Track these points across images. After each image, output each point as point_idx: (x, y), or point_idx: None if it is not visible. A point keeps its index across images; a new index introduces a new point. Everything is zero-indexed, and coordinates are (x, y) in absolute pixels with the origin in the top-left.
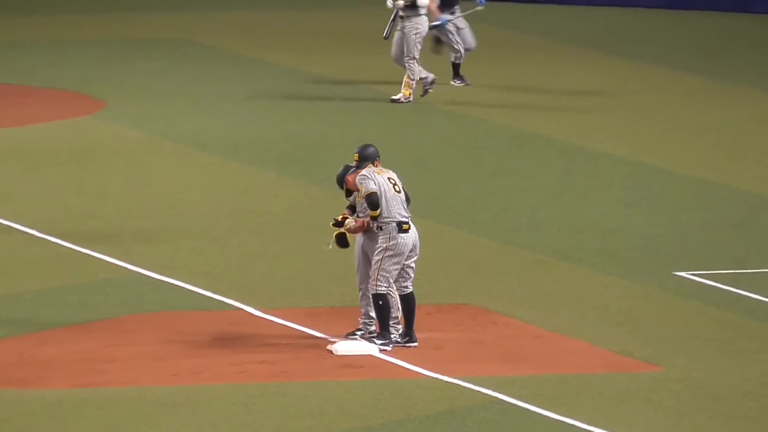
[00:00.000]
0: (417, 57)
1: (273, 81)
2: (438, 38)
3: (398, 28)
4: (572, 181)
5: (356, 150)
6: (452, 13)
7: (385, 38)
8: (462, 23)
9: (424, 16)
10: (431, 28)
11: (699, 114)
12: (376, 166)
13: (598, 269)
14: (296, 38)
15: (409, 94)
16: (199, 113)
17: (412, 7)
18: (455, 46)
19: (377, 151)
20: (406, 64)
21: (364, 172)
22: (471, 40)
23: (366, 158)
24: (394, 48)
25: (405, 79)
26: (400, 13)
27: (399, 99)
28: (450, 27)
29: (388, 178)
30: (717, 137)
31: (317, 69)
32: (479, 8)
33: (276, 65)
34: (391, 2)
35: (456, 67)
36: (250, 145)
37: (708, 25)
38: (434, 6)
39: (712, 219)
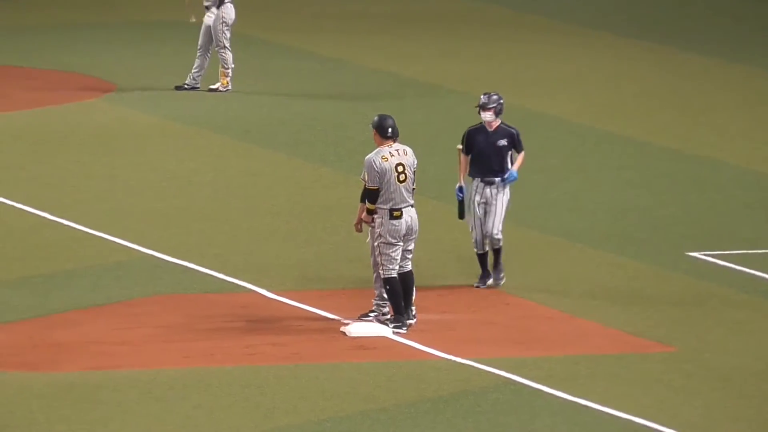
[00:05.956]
0: (227, 46)
1: (282, 62)
2: None
3: (205, 17)
4: (583, 162)
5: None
6: None
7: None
8: None
9: (229, 4)
10: None
11: (709, 94)
12: (392, 144)
13: (610, 250)
14: (305, 19)
15: (227, 83)
16: (209, 95)
17: None
18: None
19: (392, 127)
20: (219, 55)
21: (373, 156)
22: None
23: (376, 128)
24: (201, 38)
25: (220, 69)
26: (205, 3)
27: (217, 88)
28: None
29: (397, 165)
30: (728, 117)
31: (325, 50)
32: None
33: (285, 46)
34: None
35: None
36: (260, 127)
37: (718, 6)
38: None
39: (723, 199)
